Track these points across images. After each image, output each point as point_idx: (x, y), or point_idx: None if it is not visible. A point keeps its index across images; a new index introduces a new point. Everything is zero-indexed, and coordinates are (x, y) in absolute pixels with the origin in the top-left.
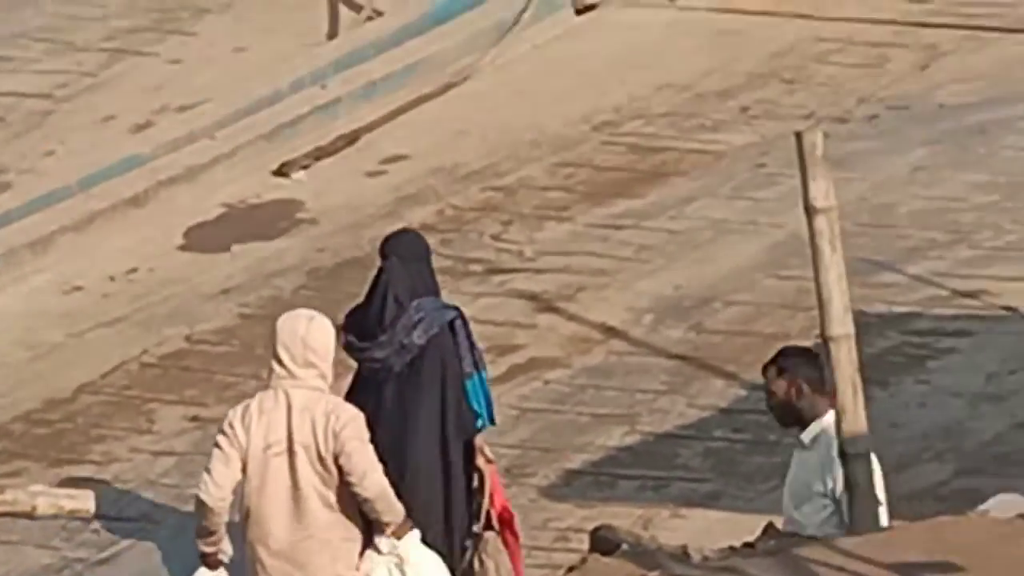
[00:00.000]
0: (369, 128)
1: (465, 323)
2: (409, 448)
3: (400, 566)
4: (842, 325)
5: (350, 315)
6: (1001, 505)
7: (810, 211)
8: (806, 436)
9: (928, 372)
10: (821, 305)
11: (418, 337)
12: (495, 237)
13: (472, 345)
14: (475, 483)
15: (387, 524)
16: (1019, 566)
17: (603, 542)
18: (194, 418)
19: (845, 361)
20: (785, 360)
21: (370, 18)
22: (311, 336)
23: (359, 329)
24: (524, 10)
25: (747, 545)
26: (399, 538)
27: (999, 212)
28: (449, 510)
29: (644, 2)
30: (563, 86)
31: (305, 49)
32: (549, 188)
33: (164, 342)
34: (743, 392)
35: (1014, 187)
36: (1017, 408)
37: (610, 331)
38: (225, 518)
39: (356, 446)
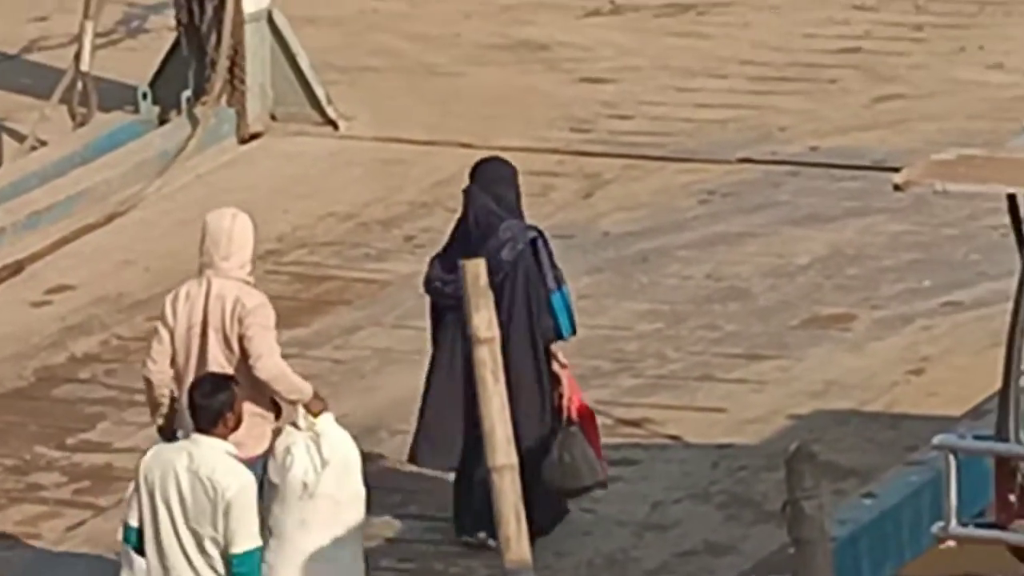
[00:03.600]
0: (34, 258)
1: (546, 242)
2: (510, 359)
3: (316, 440)
4: (506, 455)
5: (438, 255)
6: None
7: (473, 341)
8: None
9: (593, 500)
10: (485, 435)
11: (507, 255)
12: None
13: (553, 264)
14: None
15: (294, 402)
16: None
17: None
18: None
19: (509, 490)
20: None
21: (34, 148)
22: (235, 230)
23: (448, 264)
24: (189, 139)
25: None
26: (315, 415)
27: (662, 340)
28: (544, 406)
29: (308, 131)
30: None
31: None
32: None
33: None
34: (410, 522)
35: (677, 315)
36: (681, 537)
37: None
38: (166, 391)
39: (257, 331)
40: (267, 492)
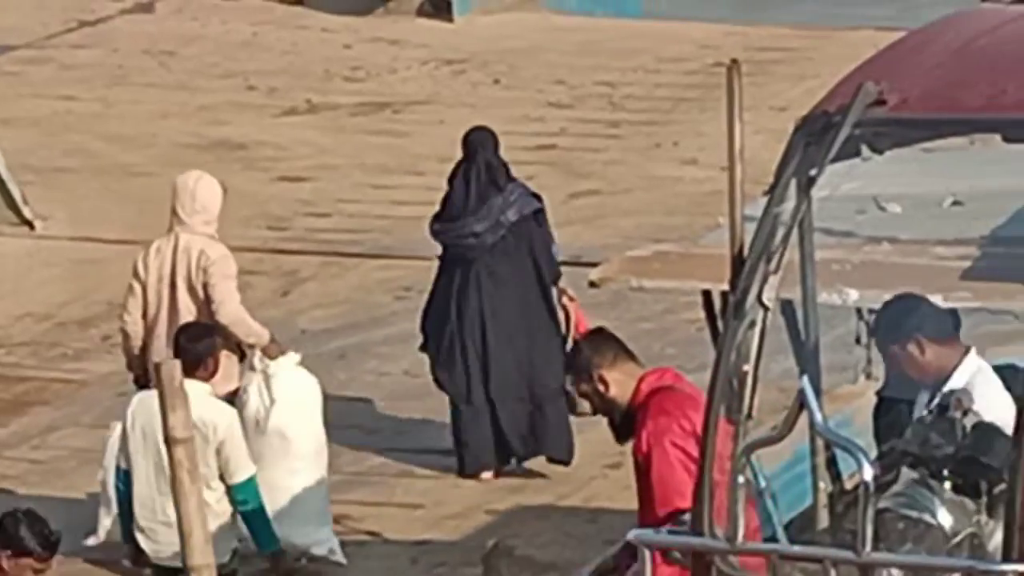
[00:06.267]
0: None
1: (545, 212)
2: (505, 304)
3: (267, 380)
4: (203, 555)
5: (436, 214)
6: None
7: (169, 442)
8: None
9: None
10: (182, 536)
11: (512, 215)
12: None
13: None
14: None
15: (252, 346)
16: None
17: None
18: None
19: None
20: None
21: None
22: (199, 189)
23: (450, 212)
24: None
25: None
26: (271, 358)
27: (356, 436)
28: (558, 336)
29: (3, 231)
30: None
31: None
32: None
33: None
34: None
35: (375, 412)
36: None
37: None
38: (139, 342)
39: (218, 280)
40: None
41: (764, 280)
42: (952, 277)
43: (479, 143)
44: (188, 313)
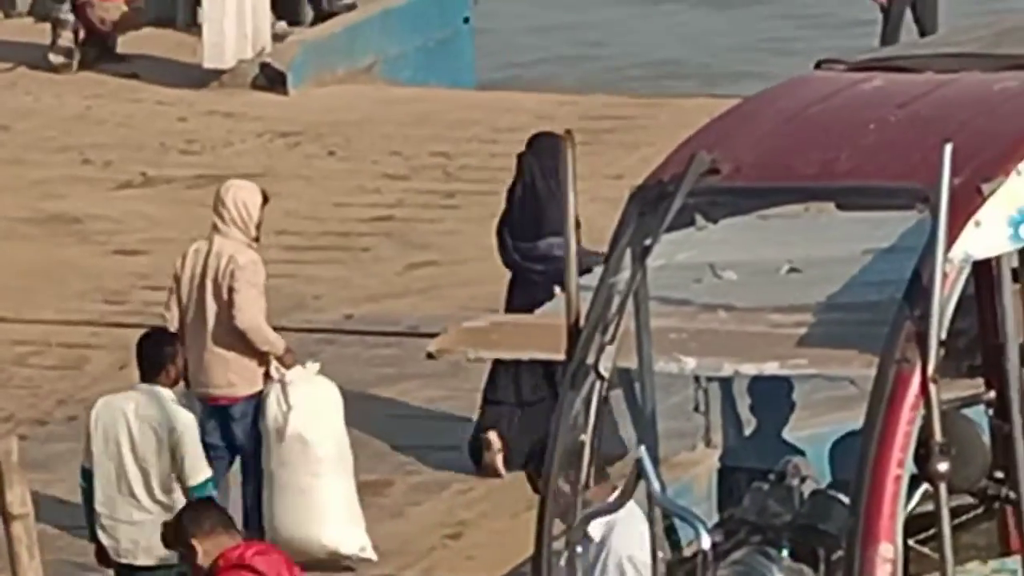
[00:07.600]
0: None
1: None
2: None
3: (284, 388)
4: None
5: (504, 224)
6: None
7: (7, 518)
8: None
9: None
10: None
11: (538, 266)
12: None
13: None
14: None
15: (266, 353)
16: None
17: None
18: None
19: None
20: None
21: None
22: (228, 199)
23: (513, 229)
24: None
25: None
26: (287, 367)
27: None
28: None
29: None
30: None
31: None
32: None
33: None
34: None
35: None
36: None
37: None
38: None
39: (241, 285)
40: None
41: (600, 350)
42: (789, 344)
43: (530, 158)
44: (212, 315)
